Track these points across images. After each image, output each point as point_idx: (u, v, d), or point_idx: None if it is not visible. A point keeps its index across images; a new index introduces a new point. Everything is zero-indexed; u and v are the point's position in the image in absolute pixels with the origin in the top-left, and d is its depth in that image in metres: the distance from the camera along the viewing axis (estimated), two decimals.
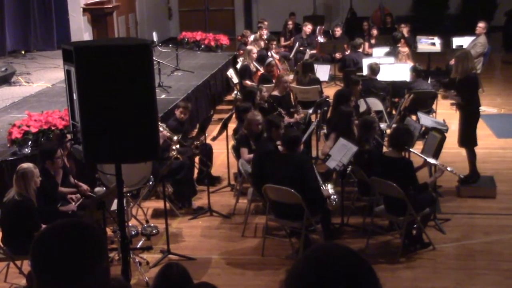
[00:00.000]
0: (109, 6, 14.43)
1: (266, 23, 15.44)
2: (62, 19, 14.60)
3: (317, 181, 6.73)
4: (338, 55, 14.27)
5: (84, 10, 14.24)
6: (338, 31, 15.67)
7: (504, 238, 6.83)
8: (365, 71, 10.94)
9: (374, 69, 10.31)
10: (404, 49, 11.80)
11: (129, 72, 4.00)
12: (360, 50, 13.15)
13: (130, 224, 6.93)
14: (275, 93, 9.58)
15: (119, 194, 4.48)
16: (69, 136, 4.36)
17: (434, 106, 10.21)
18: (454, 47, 13.29)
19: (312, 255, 1.73)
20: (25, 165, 6.01)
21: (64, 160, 6.72)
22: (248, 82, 11.34)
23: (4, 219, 5.94)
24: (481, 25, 12.81)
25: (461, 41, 12.96)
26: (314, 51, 14.72)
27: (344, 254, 1.70)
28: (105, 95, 3.98)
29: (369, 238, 6.69)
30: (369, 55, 13.13)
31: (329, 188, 6.90)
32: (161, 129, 7.56)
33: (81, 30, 14.22)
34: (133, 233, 6.93)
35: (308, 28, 15.20)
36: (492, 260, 6.38)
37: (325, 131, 8.87)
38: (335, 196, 6.92)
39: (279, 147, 7.11)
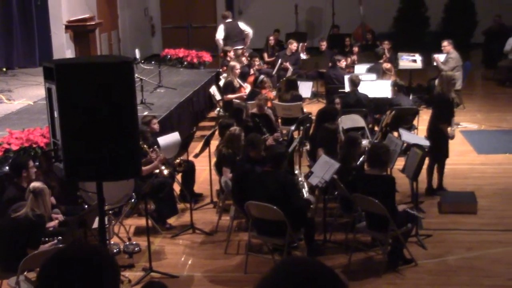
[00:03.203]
0: (91, 23, 14.38)
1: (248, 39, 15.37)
2: (44, 36, 14.52)
3: (300, 199, 6.74)
4: (323, 70, 14.23)
5: (67, 27, 14.19)
6: (324, 45, 15.71)
7: (486, 253, 6.87)
8: (347, 87, 11.00)
9: (354, 81, 10.43)
10: (388, 66, 11.85)
11: (111, 90, 3.99)
12: (339, 65, 13.14)
13: (112, 242, 6.89)
14: (254, 111, 9.63)
15: (101, 212, 4.46)
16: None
17: (415, 122, 10.30)
18: (434, 64, 13.41)
19: (279, 268, 1.78)
20: (37, 183, 5.99)
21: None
22: (230, 96, 11.35)
23: (3, 235, 5.87)
24: (444, 43, 12.94)
25: (441, 58, 13.07)
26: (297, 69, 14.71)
27: (311, 265, 1.75)
28: (86, 113, 3.97)
29: (351, 254, 6.70)
30: (350, 72, 13.14)
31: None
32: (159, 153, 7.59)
33: (63, 47, 14.17)
34: (115, 251, 6.89)
35: (293, 46, 15.13)
36: (473, 276, 6.41)
37: (307, 147, 8.89)
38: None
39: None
